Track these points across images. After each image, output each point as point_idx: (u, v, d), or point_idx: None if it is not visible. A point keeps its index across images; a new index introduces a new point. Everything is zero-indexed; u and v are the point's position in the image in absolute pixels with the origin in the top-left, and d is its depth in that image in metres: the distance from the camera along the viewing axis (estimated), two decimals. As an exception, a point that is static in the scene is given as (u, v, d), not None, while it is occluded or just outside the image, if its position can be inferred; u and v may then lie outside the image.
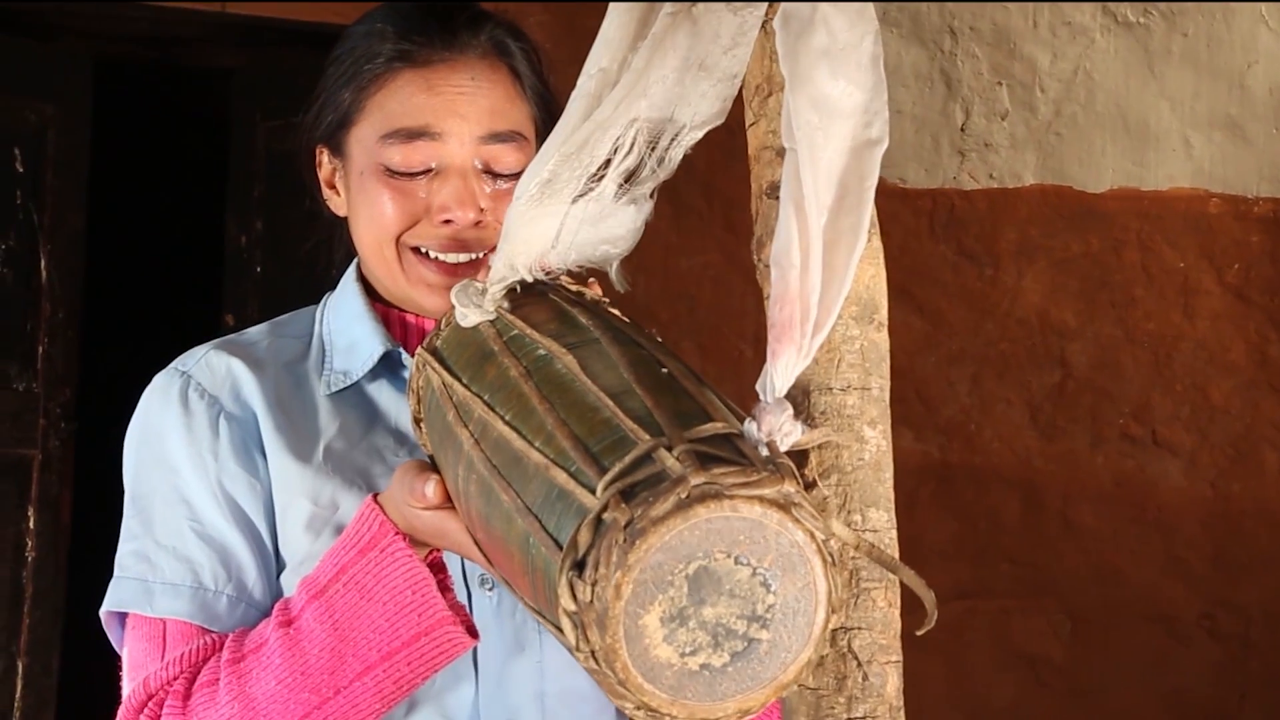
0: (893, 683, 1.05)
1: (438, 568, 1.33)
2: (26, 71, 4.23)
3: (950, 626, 4.01)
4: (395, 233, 1.46)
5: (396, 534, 1.30)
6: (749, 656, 0.96)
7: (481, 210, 1.45)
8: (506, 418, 1.12)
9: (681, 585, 0.94)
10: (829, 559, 0.97)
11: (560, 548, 0.98)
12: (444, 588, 1.32)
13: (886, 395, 1.08)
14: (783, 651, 0.97)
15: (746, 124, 1.13)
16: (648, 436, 0.99)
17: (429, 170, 1.45)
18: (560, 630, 0.99)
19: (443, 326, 1.29)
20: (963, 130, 4.03)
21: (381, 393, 1.51)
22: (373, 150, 1.46)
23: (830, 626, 0.98)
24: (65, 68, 4.37)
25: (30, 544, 4.17)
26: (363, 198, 1.48)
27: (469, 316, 1.25)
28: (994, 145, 4.04)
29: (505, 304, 1.24)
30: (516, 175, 1.39)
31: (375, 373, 1.50)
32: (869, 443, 1.06)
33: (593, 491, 0.97)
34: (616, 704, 0.97)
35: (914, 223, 3.99)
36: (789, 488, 0.96)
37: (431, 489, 1.24)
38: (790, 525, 0.96)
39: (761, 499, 0.95)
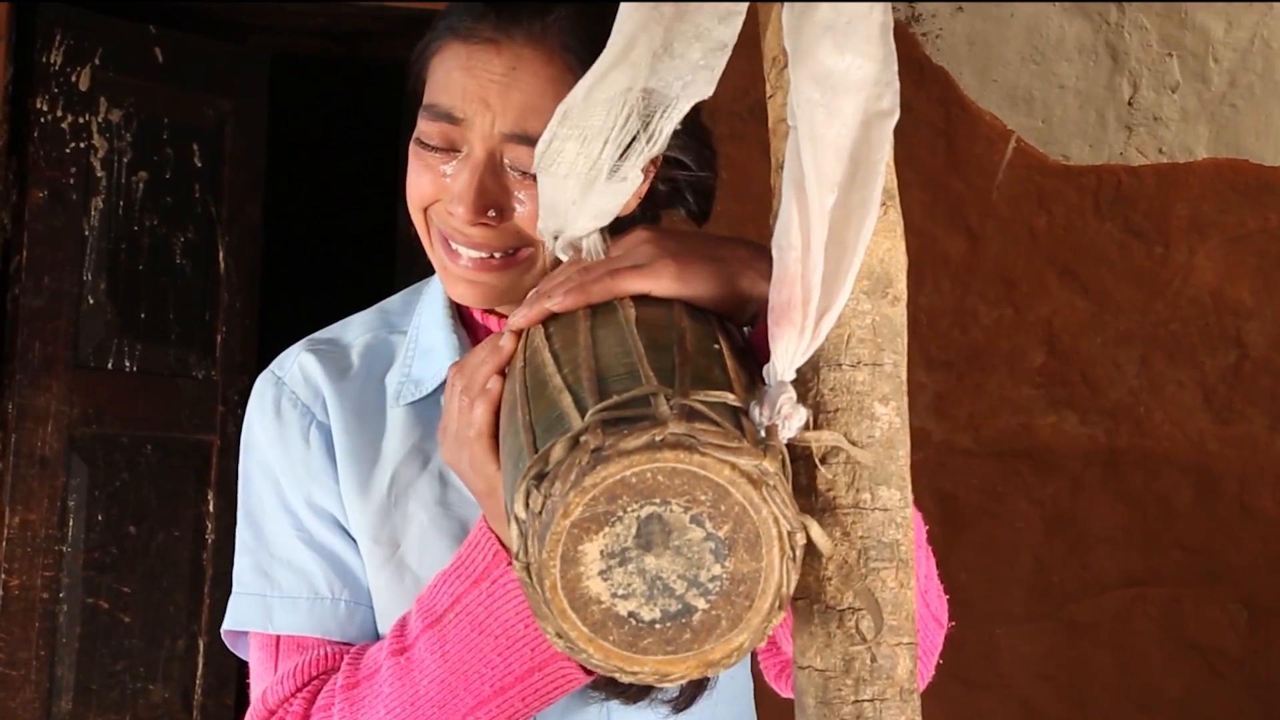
0: (903, 665, 1.02)
1: None
2: (204, 68, 4.36)
3: (1119, 615, 3.89)
4: (420, 205, 1.38)
5: (508, 565, 1.27)
6: (679, 621, 0.96)
7: (490, 214, 1.34)
8: (554, 347, 1.14)
9: (631, 525, 0.94)
10: (789, 552, 0.95)
11: None
12: None
13: (902, 371, 1.06)
14: (715, 628, 0.96)
15: (766, 96, 1.11)
16: (657, 384, 1.00)
17: (454, 150, 1.35)
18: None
19: None
20: (1130, 104, 3.90)
21: None
22: (418, 117, 1.37)
23: (774, 623, 0.96)
24: (242, 64, 4.49)
25: (210, 526, 4.30)
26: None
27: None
28: (1163, 119, 3.90)
29: None
30: None
31: None
32: (880, 420, 1.03)
33: (584, 417, 0.99)
34: (540, 625, 0.97)
35: (1078, 200, 3.88)
36: (768, 466, 0.95)
37: (493, 382, 1.23)
38: (757, 502, 0.95)
39: (734, 466, 0.94)
